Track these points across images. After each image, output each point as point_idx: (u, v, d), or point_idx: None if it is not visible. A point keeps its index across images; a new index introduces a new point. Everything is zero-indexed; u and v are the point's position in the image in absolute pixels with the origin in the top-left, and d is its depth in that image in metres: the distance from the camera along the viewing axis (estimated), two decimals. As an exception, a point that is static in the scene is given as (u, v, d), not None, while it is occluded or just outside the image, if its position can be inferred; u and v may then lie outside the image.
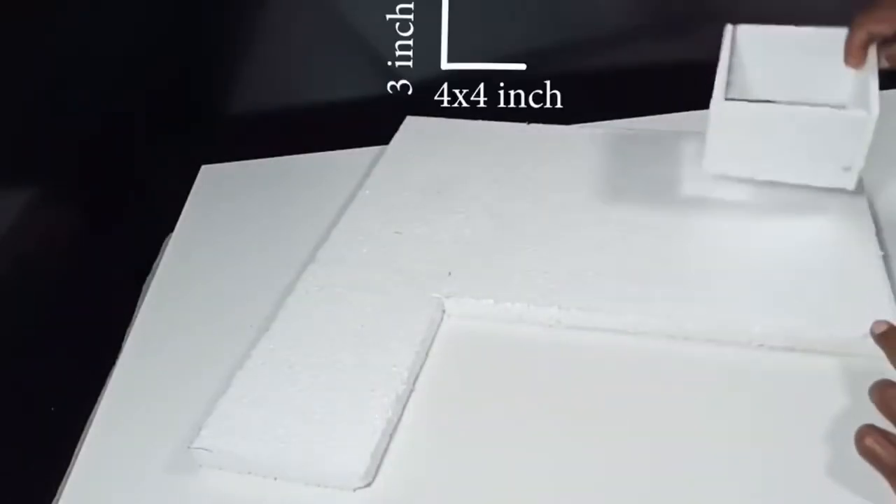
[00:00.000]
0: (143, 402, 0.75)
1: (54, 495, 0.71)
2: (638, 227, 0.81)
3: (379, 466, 0.64)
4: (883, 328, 0.64)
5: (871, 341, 0.65)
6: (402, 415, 0.67)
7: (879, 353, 0.63)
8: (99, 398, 0.78)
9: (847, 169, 0.75)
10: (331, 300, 0.76)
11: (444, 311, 0.76)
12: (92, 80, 0.95)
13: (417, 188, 0.89)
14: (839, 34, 0.78)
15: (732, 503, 0.59)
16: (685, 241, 0.78)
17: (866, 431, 0.56)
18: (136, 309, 0.87)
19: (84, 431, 0.75)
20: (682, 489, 0.60)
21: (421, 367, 0.71)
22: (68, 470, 0.72)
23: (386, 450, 0.65)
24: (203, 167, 1.04)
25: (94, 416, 0.76)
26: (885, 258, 0.73)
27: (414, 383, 0.70)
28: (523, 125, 0.97)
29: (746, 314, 0.70)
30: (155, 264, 0.94)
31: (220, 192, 1.00)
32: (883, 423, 0.58)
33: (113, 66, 0.97)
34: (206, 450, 0.65)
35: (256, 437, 0.65)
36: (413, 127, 1.00)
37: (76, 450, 0.73)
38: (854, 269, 0.73)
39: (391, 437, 0.66)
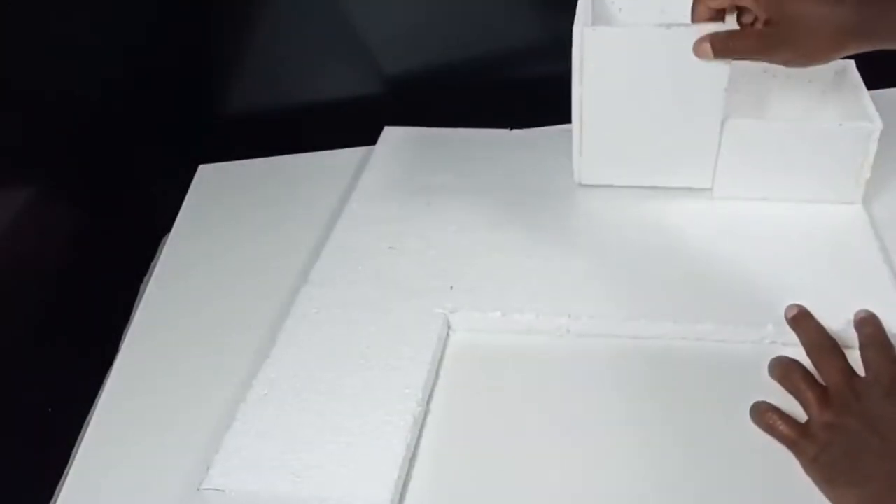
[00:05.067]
0: (140, 402, 0.75)
1: (52, 496, 0.71)
2: (636, 227, 0.80)
3: (403, 495, 0.62)
4: (794, 312, 0.67)
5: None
6: (420, 438, 0.65)
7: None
8: (97, 398, 0.77)
9: (855, 181, 0.77)
10: (330, 322, 0.74)
11: (449, 327, 0.74)
12: (90, 81, 0.94)
13: (405, 200, 0.87)
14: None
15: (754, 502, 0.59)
16: (689, 243, 0.78)
17: (764, 408, 0.62)
18: (134, 308, 0.87)
19: (81, 432, 0.75)
20: (702, 490, 0.60)
21: (433, 387, 0.69)
22: (66, 471, 0.71)
23: (408, 477, 0.63)
24: (200, 167, 1.03)
25: (91, 416, 0.76)
26: (885, 255, 0.74)
27: (428, 404, 0.68)
28: (505, 131, 0.96)
29: (757, 313, 0.69)
30: (153, 264, 0.93)
31: (218, 191, 1.00)
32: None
33: (110, 67, 0.96)
34: (219, 490, 0.62)
35: (270, 473, 0.62)
36: (392, 137, 0.98)
37: (74, 451, 0.73)
38: (857, 265, 0.73)
39: (412, 463, 0.64)
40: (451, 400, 0.69)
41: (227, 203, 0.97)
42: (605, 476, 0.61)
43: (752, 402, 0.63)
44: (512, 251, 0.79)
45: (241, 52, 1.05)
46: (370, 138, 0.98)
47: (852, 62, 0.81)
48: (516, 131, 0.95)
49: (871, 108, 0.75)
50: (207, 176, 1.02)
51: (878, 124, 0.73)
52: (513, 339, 0.72)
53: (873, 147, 0.75)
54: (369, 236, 0.83)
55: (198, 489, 0.62)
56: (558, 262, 0.77)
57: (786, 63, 0.68)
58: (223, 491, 0.62)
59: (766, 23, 0.67)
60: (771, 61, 0.68)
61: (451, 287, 0.75)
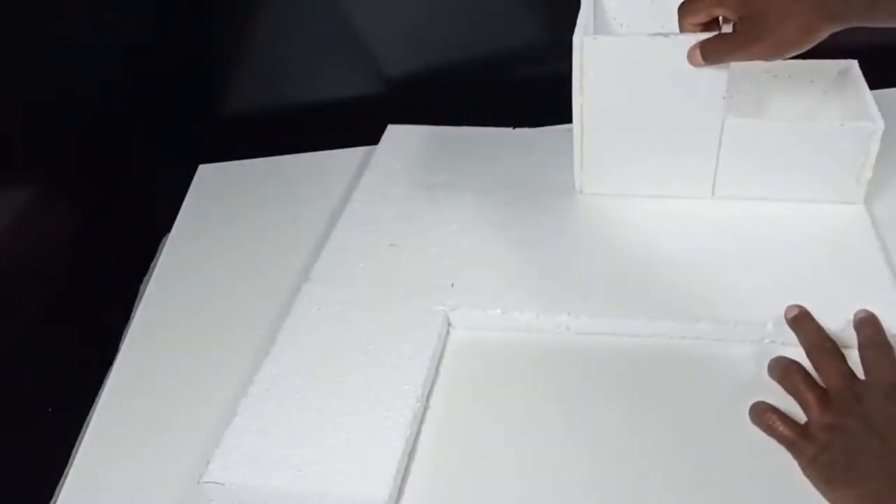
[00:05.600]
0: (140, 403, 0.74)
1: (52, 496, 0.70)
2: (636, 229, 0.80)
3: (402, 490, 0.62)
4: (794, 312, 0.67)
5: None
6: (419, 434, 0.65)
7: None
8: (97, 398, 0.77)
9: (856, 182, 0.77)
10: (331, 319, 0.74)
11: (449, 324, 0.74)
12: (90, 81, 0.94)
13: (406, 198, 0.88)
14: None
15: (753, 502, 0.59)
16: (689, 243, 0.78)
17: (763, 408, 0.62)
18: (134, 308, 0.87)
19: (81, 432, 0.75)
20: (700, 489, 0.60)
21: (433, 384, 0.69)
22: (66, 471, 0.71)
23: (407, 472, 0.63)
24: (200, 167, 1.03)
25: (91, 416, 0.75)
26: (886, 255, 0.73)
27: (428, 400, 0.68)
28: (508, 129, 0.96)
29: (757, 312, 0.69)
30: (153, 264, 0.93)
31: (218, 191, 1.00)
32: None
33: (111, 67, 0.97)
34: (218, 483, 0.62)
35: (270, 467, 0.62)
36: (396, 135, 0.98)
37: (74, 451, 0.73)
38: (857, 265, 0.73)
39: (410, 458, 0.64)
40: (451, 397, 0.68)
41: (227, 203, 0.97)
42: (603, 473, 0.61)
43: (751, 402, 0.63)
44: (513, 249, 0.79)
45: (241, 52, 1.05)
46: (371, 138, 0.98)
47: (855, 62, 0.81)
48: (518, 130, 0.95)
49: (874, 108, 0.75)
50: (207, 176, 1.02)
51: (880, 124, 0.73)
52: (513, 337, 0.72)
53: (875, 147, 0.74)
54: (370, 234, 0.83)
55: (198, 482, 0.62)
56: (559, 261, 0.77)
57: (766, 56, 0.68)
58: (223, 484, 0.62)
59: (740, 21, 0.68)
60: (752, 57, 0.68)
61: (452, 284, 0.76)
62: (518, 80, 1.05)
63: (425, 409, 0.67)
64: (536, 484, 0.61)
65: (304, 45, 1.03)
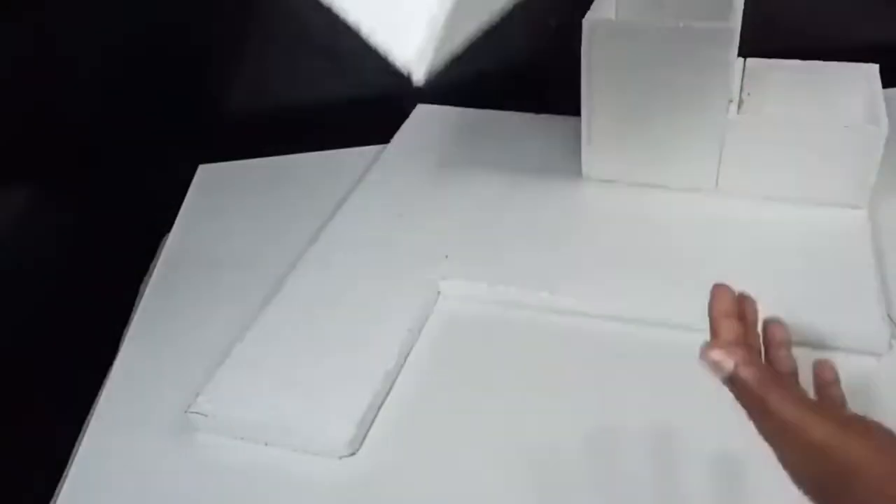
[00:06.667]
0: (140, 403, 0.73)
1: (52, 496, 0.69)
2: (635, 217, 0.80)
3: (365, 437, 0.63)
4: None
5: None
6: (390, 389, 0.67)
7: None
8: (97, 397, 0.76)
9: (860, 185, 0.75)
10: (330, 279, 0.77)
11: (438, 293, 0.75)
12: (90, 81, 0.95)
13: (424, 173, 0.91)
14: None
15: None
16: (685, 235, 0.77)
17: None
18: (134, 308, 0.86)
19: (81, 433, 0.73)
20: (658, 458, 0.59)
21: (412, 345, 0.70)
22: (66, 470, 0.70)
23: (373, 421, 0.64)
24: (200, 166, 1.03)
25: (91, 416, 0.74)
26: (878, 267, 0.71)
27: (405, 360, 0.69)
28: (531, 115, 0.97)
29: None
30: (153, 264, 0.92)
31: (218, 191, 0.99)
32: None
33: (111, 67, 0.98)
34: (202, 414, 0.65)
35: (251, 404, 0.65)
36: (422, 114, 1.02)
37: (74, 450, 0.72)
38: (847, 273, 0.70)
39: (379, 409, 0.65)
40: (428, 358, 0.70)
41: (227, 203, 0.96)
42: (565, 442, 0.61)
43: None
44: (512, 228, 0.81)
45: (241, 51, 1.06)
46: (372, 138, 0.99)
47: (876, 66, 0.80)
48: (542, 116, 0.97)
49: (882, 113, 0.73)
50: (207, 176, 1.02)
51: (884, 130, 0.72)
52: (496, 311, 0.73)
53: (878, 152, 0.73)
54: (382, 202, 0.87)
55: (185, 412, 0.66)
56: (554, 242, 0.78)
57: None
58: (206, 416, 0.65)
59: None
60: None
61: (447, 256, 0.77)
62: (545, 66, 1.04)
63: (401, 367, 0.68)
64: (499, 447, 0.61)
65: (304, 43, 1.03)
